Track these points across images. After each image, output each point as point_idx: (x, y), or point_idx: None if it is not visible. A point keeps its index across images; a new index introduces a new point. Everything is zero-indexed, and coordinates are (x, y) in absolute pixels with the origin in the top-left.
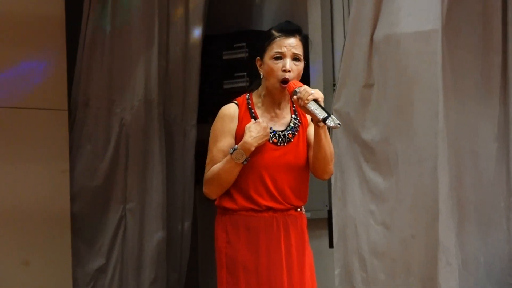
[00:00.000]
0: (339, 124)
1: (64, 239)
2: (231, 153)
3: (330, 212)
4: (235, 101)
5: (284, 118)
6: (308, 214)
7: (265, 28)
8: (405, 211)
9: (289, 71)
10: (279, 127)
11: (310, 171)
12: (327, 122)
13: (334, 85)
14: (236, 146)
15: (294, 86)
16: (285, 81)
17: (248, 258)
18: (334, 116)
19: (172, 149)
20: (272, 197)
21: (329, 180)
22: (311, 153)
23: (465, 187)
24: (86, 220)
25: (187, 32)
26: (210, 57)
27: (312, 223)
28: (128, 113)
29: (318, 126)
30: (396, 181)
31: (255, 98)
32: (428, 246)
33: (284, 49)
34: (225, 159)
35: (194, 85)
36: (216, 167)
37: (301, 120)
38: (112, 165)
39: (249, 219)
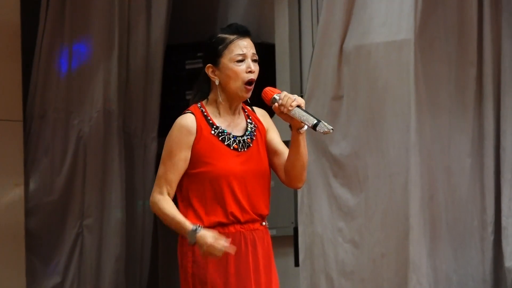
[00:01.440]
0: (332, 129)
1: (18, 256)
2: (189, 231)
3: (296, 229)
4: (190, 111)
5: (240, 124)
6: (274, 231)
7: None
8: (375, 228)
9: (254, 71)
10: (237, 132)
11: (282, 180)
12: (318, 128)
13: (301, 96)
14: (199, 228)
15: (273, 93)
16: (250, 82)
17: (217, 278)
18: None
19: (132, 162)
20: (239, 205)
21: (295, 196)
22: (277, 161)
23: (437, 203)
24: (41, 236)
25: (148, 41)
26: (173, 67)
27: (278, 241)
28: (86, 125)
29: (299, 133)
30: (365, 197)
31: (209, 107)
32: (399, 265)
33: (245, 50)
34: (180, 221)
35: (156, 96)
36: (168, 213)
37: (256, 124)
38: (69, 179)
39: None
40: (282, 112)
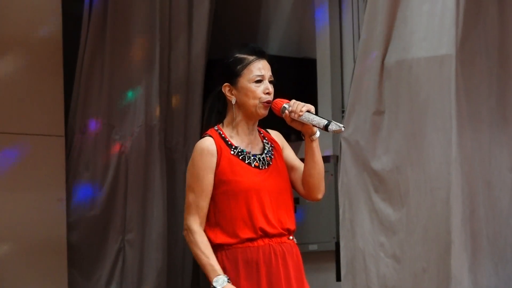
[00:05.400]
0: (343, 127)
1: (61, 271)
2: (219, 276)
3: (337, 244)
4: (208, 134)
5: (258, 144)
6: (315, 246)
7: (272, 53)
8: (416, 243)
9: (271, 93)
10: (256, 151)
11: (301, 194)
12: (330, 127)
13: (343, 111)
14: (226, 280)
15: (282, 103)
16: (267, 103)
17: None
18: (335, 121)
19: (173, 177)
20: (266, 219)
21: (337, 211)
22: (295, 176)
23: (478, 218)
24: (83, 251)
25: (189, 55)
26: (214, 82)
27: (319, 256)
28: (128, 140)
29: (312, 140)
30: (407, 212)
31: (226, 129)
32: (440, 280)
33: (263, 72)
34: (210, 263)
35: (197, 111)
36: (203, 251)
37: (272, 144)
38: (111, 194)
39: (246, 251)
40: (293, 120)
